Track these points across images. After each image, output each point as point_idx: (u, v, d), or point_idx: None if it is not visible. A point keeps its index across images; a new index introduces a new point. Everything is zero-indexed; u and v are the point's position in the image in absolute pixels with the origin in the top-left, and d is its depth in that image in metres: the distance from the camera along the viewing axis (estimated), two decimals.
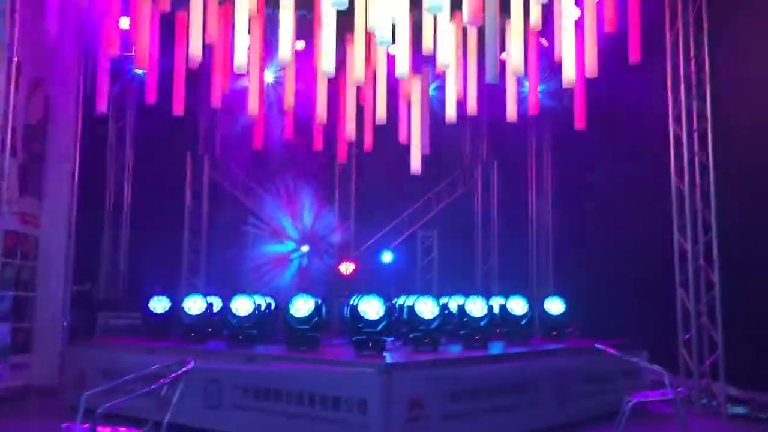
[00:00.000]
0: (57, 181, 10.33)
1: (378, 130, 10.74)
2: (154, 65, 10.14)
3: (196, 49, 9.17)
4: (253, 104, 9.75)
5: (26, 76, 9.49)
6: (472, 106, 10.14)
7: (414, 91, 10.32)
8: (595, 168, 10.99)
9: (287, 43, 8.36)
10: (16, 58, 8.90)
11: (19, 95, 9.20)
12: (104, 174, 12.60)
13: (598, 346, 6.37)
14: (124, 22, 10.77)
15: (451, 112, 9.89)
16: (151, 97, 10.29)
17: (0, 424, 7.31)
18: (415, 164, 10.21)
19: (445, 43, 8.71)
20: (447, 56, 8.76)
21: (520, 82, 10.11)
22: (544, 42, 9.84)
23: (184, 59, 9.89)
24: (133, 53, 11.88)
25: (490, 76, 7.85)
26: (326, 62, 8.21)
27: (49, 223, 10.11)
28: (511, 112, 9.70)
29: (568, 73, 8.23)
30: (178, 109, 10.12)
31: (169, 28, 10.08)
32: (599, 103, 9.49)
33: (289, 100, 10.55)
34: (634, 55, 8.48)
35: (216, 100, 10.30)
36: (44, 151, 10.28)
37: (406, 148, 10.40)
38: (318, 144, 11.36)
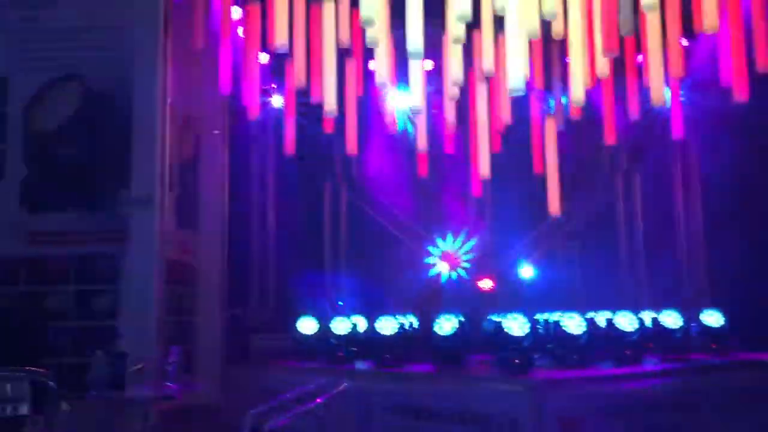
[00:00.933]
0: (209, 211, 11.00)
1: (514, 135, 10.63)
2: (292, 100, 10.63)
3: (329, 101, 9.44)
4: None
5: (178, 116, 10.21)
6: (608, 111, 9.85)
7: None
8: (751, 169, 10.30)
9: (418, 91, 8.45)
10: (169, 100, 9.60)
11: (173, 132, 9.90)
12: (250, 203, 13.26)
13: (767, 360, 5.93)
14: (264, 57, 11.39)
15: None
16: (290, 138, 10.76)
17: None
18: (552, 182, 10.04)
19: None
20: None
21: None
22: (684, 42, 9.39)
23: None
24: (274, 86, 12.63)
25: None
26: (452, 89, 8.29)
27: (204, 252, 10.77)
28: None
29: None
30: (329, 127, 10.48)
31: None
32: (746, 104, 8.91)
33: (422, 137, 10.73)
34: None
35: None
36: (197, 184, 11.01)
37: (542, 161, 10.24)
38: (450, 148, 11.38)
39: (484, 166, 10.42)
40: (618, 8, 7.45)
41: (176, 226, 10.08)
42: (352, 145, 10.57)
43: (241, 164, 12.42)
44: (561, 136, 10.67)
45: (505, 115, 10.09)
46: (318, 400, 4.77)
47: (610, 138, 10.27)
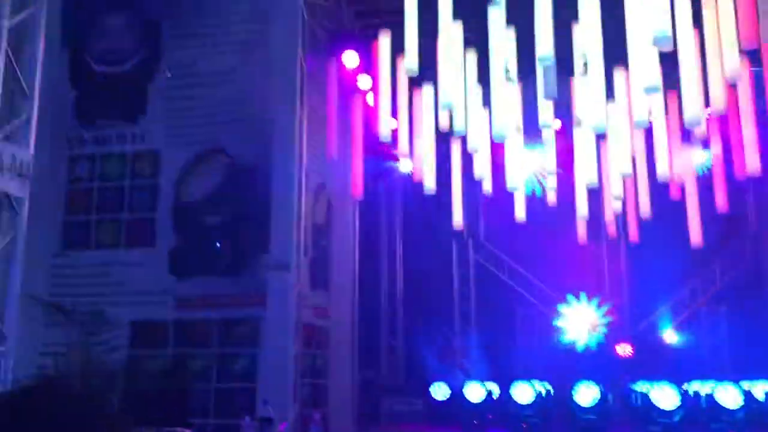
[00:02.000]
0: (341, 275, 11.22)
1: (653, 198, 10.27)
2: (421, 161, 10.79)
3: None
4: (519, 206, 9.88)
5: (312, 183, 10.58)
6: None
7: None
8: None
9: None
10: (305, 169, 9.98)
11: (307, 200, 10.25)
12: (378, 266, 13.44)
13: None
14: (393, 123, 11.70)
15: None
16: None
17: None
18: (695, 237, 9.54)
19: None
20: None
21: None
22: None
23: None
24: (401, 151, 12.88)
25: None
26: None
27: (336, 314, 10.96)
28: None
29: None
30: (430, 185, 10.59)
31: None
32: None
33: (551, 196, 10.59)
34: None
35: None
36: (329, 248, 11.29)
37: (684, 220, 9.81)
38: (583, 234, 11.17)
39: (633, 232, 10.06)
40: None
41: (310, 288, 10.33)
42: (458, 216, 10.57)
43: (370, 228, 12.67)
44: (707, 193, 10.21)
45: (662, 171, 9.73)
46: None
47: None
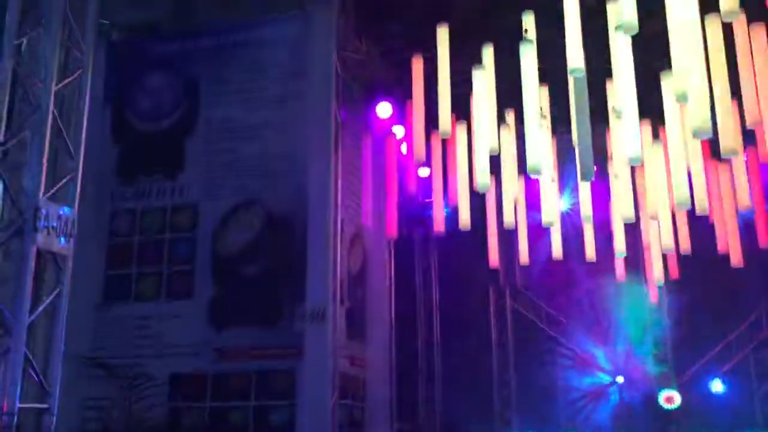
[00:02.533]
0: (377, 324, 11.20)
1: (695, 239, 10.10)
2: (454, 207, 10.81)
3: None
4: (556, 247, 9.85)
5: (348, 232, 10.65)
6: None
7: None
8: None
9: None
10: (340, 218, 10.05)
11: (343, 249, 10.30)
12: (414, 315, 13.37)
13: None
14: (425, 172, 11.78)
15: None
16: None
17: None
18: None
19: None
20: None
21: None
22: None
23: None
24: (432, 199, 12.91)
25: None
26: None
27: (373, 365, 10.89)
28: None
29: None
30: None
31: None
32: None
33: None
34: None
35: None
36: (365, 297, 11.29)
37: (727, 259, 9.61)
38: (621, 275, 11.00)
39: (673, 269, 9.91)
40: None
41: (347, 338, 10.31)
42: (524, 257, 10.53)
43: (406, 276, 12.66)
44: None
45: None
46: None
47: None
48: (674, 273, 10.56)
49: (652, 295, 11.03)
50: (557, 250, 11.06)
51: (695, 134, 6.72)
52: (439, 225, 11.01)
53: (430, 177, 11.75)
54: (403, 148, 11.74)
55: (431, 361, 13.27)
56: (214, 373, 9.44)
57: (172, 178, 10.41)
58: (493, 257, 10.90)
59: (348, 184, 10.70)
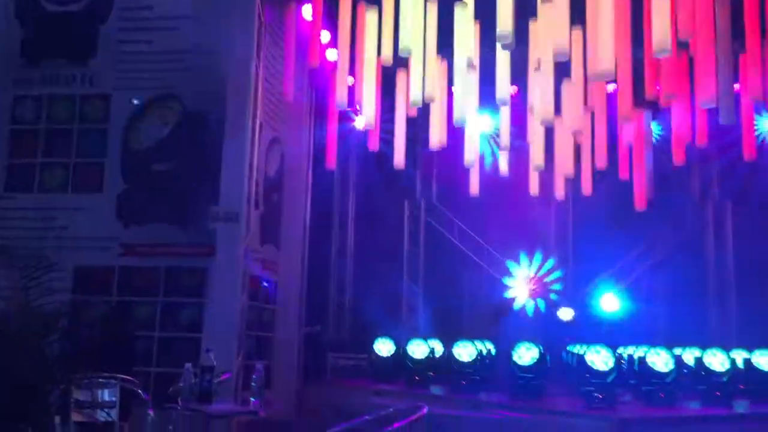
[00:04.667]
0: (291, 229, 11.23)
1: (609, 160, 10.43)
2: (377, 118, 10.74)
3: (415, 101, 9.54)
4: (469, 154, 9.97)
5: (266, 135, 10.49)
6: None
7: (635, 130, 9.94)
8: None
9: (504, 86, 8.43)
10: (258, 121, 9.87)
11: (260, 152, 10.16)
12: (330, 222, 13.45)
13: None
14: (350, 80, 11.60)
15: (677, 152, 9.41)
16: (374, 146, 10.86)
17: None
18: (640, 203, 9.78)
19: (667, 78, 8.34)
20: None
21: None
22: None
23: (403, 113, 10.44)
24: (357, 108, 12.81)
25: (724, 116, 7.36)
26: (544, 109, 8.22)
27: (285, 269, 10.99)
28: (749, 149, 8.99)
29: None
30: (399, 161, 10.59)
31: (390, 83, 10.69)
32: None
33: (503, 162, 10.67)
34: None
35: (434, 142, 10.56)
36: (281, 202, 11.26)
37: (629, 187, 10.01)
38: (534, 188, 11.26)
39: (559, 189, 10.26)
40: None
41: (260, 242, 10.32)
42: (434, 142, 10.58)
43: (323, 183, 12.65)
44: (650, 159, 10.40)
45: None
46: (396, 425, 4.74)
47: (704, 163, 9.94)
48: (586, 190, 10.84)
49: (561, 212, 11.44)
50: (475, 185, 11.34)
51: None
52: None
53: (353, 86, 11.61)
54: (328, 54, 11.49)
55: (344, 268, 13.47)
56: (121, 267, 9.33)
57: (82, 65, 9.91)
58: (399, 158, 10.75)
59: (270, 87, 10.47)
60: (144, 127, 9.71)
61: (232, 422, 6.78)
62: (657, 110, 10.27)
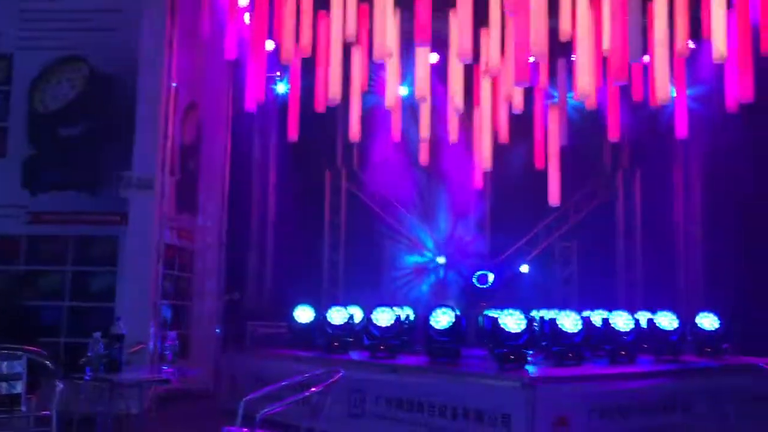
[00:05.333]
0: (209, 197, 11.02)
1: (514, 136, 10.63)
2: (296, 78, 10.57)
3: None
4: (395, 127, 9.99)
5: (182, 100, 10.20)
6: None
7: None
8: (748, 176, 10.34)
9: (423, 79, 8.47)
10: (174, 85, 9.59)
11: (175, 117, 9.89)
12: (250, 190, 13.27)
13: (760, 365, 5.97)
14: (270, 45, 11.35)
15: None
16: (294, 109, 10.69)
17: (165, 425, 7.83)
18: (553, 198, 10.09)
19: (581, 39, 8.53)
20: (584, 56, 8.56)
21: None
22: (691, 44, 9.38)
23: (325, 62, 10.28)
24: (277, 74, 12.60)
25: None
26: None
27: (203, 237, 10.80)
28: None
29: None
30: (321, 105, 10.37)
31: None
32: (749, 111, 8.95)
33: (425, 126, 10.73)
34: None
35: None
36: (198, 169, 11.01)
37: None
38: (454, 136, 11.37)
39: (486, 159, 10.45)
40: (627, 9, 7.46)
41: (176, 210, 10.10)
42: (354, 133, 10.55)
43: (242, 151, 12.44)
44: (563, 132, 10.66)
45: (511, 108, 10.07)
46: (313, 389, 4.78)
47: (613, 134, 10.27)
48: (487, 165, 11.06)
49: (477, 181, 11.61)
50: (396, 132, 11.32)
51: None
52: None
53: (275, 51, 11.38)
54: (246, 18, 11.20)
55: (264, 236, 13.34)
56: (29, 236, 8.96)
57: None
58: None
59: (186, 51, 10.15)
60: (49, 90, 9.30)
61: (146, 392, 6.66)
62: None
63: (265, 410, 4.58)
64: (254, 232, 13.30)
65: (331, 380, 4.86)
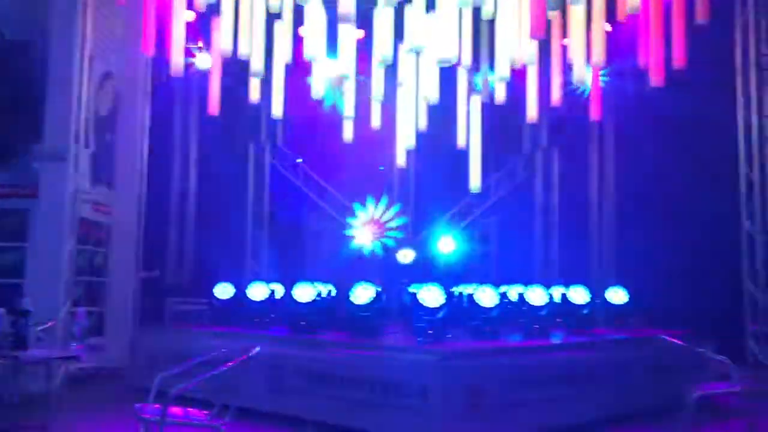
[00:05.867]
0: (127, 170, 10.70)
1: (435, 117, 10.73)
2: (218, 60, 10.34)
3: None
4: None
5: (97, 70, 9.84)
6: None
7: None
8: (660, 155, 10.77)
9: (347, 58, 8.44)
10: (88, 53, 9.23)
11: (90, 88, 9.54)
12: (171, 163, 12.97)
13: (663, 336, 6.28)
14: (190, 15, 11.02)
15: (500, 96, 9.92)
16: (215, 99, 10.46)
17: (75, 404, 7.63)
18: (474, 157, 10.25)
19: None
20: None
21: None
22: (608, 26, 9.64)
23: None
24: (200, 46, 12.28)
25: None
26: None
27: (120, 212, 10.49)
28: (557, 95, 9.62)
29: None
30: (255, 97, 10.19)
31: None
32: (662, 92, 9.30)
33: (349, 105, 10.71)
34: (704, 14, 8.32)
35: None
36: (114, 142, 10.67)
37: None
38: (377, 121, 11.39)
39: (409, 138, 10.52)
40: None
41: (91, 183, 9.78)
42: (278, 108, 10.42)
43: (163, 123, 12.12)
44: (484, 112, 10.82)
45: (432, 89, 10.16)
46: (229, 365, 4.75)
47: (532, 115, 10.50)
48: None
49: (400, 159, 11.67)
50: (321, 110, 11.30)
51: None
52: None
53: (196, 20, 11.07)
54: None
55: (184, 211, 13.09)
56: None
57: None
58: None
59: (101, 17, 9.77)
60: None
61: (57, 370, 6.47)
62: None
63: (179, 386, 4.53)
64: (174, 207, 13.03)
65: (246, 356, 4.85)
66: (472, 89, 10.48)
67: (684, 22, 8.51)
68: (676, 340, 6.13)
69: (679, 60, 8.46)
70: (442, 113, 10.33)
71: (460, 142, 10.42)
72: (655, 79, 8.65)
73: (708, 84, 9.29)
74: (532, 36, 8.01)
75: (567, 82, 10.15)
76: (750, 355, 8.31)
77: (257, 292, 8.82)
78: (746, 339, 8.57)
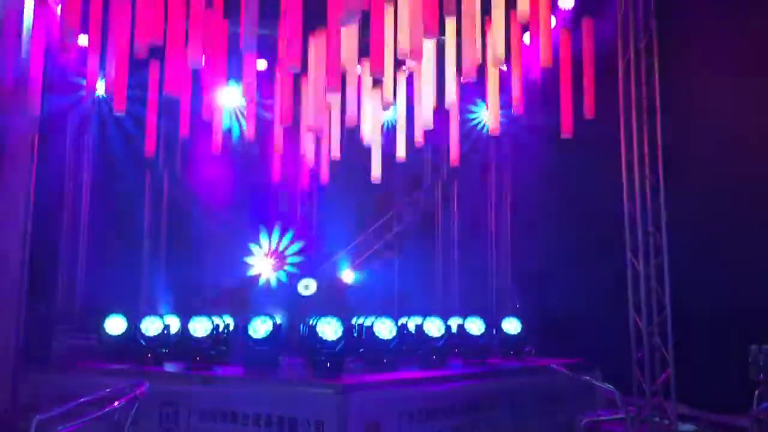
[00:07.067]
0: (11, 199, 10.13)
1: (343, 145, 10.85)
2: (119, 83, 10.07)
3: None
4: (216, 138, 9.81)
5: None
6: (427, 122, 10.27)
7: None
8: (552, 188, 11.24)
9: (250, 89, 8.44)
10: None
11: None
12: (62, 191, 12.42)
13: (552, 365, 6.49)
14: (83, 39, 10.71)
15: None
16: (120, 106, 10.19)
17: None
18: (376, 173, 10.43)
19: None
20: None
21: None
22: (504, 67, 10.05)
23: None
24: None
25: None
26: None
27: (4, 242, 9.90)
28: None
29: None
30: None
31: None
32: (552, 127, 9.76)
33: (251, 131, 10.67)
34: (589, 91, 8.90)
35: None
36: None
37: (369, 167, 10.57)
38: (277, 176, 11.50)
39: (324, 173, 10.58)
40: None
41: None
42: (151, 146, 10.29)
43: (53, 149, 11.62)
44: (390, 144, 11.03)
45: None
46: (116, 404, 4.56)
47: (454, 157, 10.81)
48: (324, 178, 11.33)
49: (303, 185, 11.74)
50: (216, 144, 11.24)
51: None
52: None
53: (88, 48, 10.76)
54: (58, 9, 10.49)
55: (76, 242, 12.52)
56: None
57: None
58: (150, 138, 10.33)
59: None
60: None
61: None
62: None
63: (60, 429, 4.31)
64: (65, 237, 12.44)
65: (132, 394, 4.68)
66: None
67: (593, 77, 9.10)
68: (563, 369, 6.35)
69: (588, 111, 8.99)
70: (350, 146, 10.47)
71: (375, 173, 10.57)
72: (565, 131, 9.13)
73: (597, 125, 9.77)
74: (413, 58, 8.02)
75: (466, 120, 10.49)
76: (635, 383, 8.69)
77: (151, 326, 8.55)
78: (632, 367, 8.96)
